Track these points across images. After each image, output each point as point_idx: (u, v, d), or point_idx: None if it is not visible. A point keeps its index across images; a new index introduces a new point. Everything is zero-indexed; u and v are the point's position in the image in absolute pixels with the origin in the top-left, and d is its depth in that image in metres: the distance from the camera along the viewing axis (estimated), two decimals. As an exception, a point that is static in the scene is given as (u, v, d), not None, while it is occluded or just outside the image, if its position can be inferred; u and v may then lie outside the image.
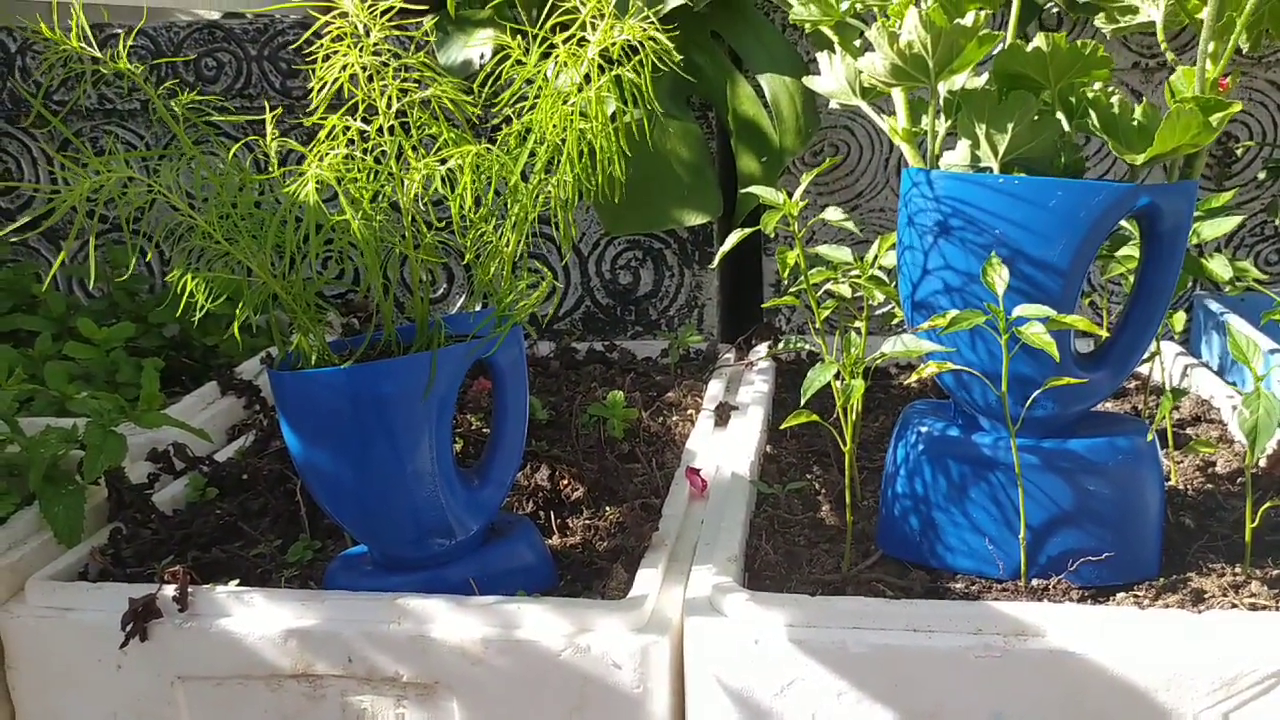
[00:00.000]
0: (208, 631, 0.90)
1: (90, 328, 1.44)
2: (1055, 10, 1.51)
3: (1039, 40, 0.88)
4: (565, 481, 1.13)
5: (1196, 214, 1.13)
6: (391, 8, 0.84)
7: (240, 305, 0.87)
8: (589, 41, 0.85)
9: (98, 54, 0.84)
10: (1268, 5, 0.96)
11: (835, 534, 1.02)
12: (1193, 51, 0.88)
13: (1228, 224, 1.10)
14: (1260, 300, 1.40)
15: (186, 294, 0.85)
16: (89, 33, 0.84)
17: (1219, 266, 1.06)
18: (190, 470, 1.19)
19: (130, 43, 1.65)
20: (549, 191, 0.88)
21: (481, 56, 1.51)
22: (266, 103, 1.66)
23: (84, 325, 1.44)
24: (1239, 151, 1.56)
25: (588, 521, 1.07)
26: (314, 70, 0.84)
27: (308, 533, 1.07)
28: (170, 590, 0.91)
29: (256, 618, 0.90)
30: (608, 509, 1.09)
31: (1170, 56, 0.94)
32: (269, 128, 0.86)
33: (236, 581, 0.96)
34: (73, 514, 1.03)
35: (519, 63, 0.87)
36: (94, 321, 1.46)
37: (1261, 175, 1.56)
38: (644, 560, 0.96)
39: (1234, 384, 1.33)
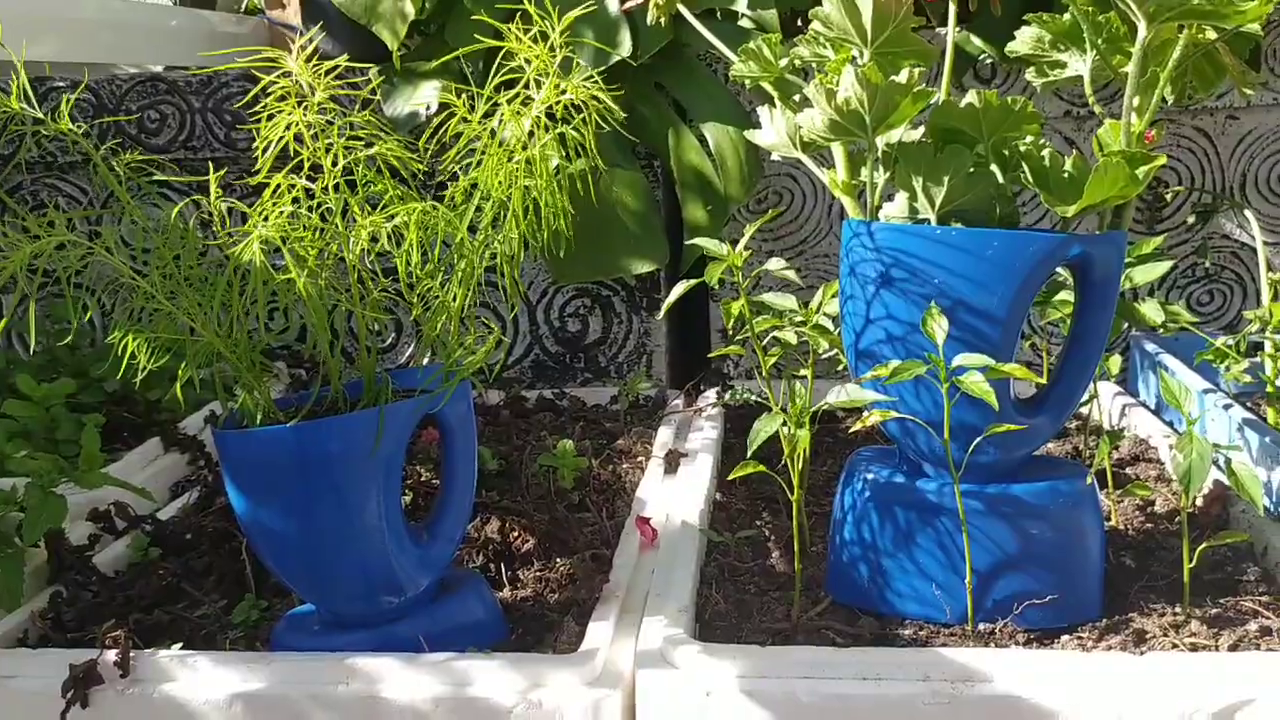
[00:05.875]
0: (150, 697, 0.88)
1: (29, 384, 1.41)
2: (990, 61, 1.55)
3: (971, 96, 0.90)
4: (516, 533, 1.12)
5: (1129, 259, 1.16)
6: (336, 67, 0.85)
7: (184, 363, 0.86)
8: (533, 100, 0.86)
9: (39, 114, 0.83)
10: (1190, 60, 0.99)
11: (785, 581, 1.03)
12: (1121, 102, 0.91)
13: (1159, 269, 1.13)
14: (1194, 340, 1.44)
15: (127, 354, 0.84)
16: (30, 93, 0.83)
17: (1151, 311, 1.09)
18: (132, 529, 1.17)
19: (72, 97, 1.63)
20: (495, 248, 0.89)
21: (428, 109, 1.52)
22: (210, 155, 1.65)
23: (23, 382, 1.41)
24: (1169, 196, 1.61)
25: (538, 573, 1.06)
26: (258, 130, 0.84)
27: (253, 592, 1.06)
28: (111, 655, 0.89)
29: (201, 682, 0.88)
30: (558, 560, 1.08)
31: (1098, 110, 0.97)
32: (213, 187, 0.85)
33: (180, 645, 0.94)
34: (12, 577, 1.01)
35: (464, 120, 0.88)
36: (33, 377, 1.43)
37: (1191, 219, 1.61)
38: (595, 612, 0.96)
39: (1170, 423, 1.36)
